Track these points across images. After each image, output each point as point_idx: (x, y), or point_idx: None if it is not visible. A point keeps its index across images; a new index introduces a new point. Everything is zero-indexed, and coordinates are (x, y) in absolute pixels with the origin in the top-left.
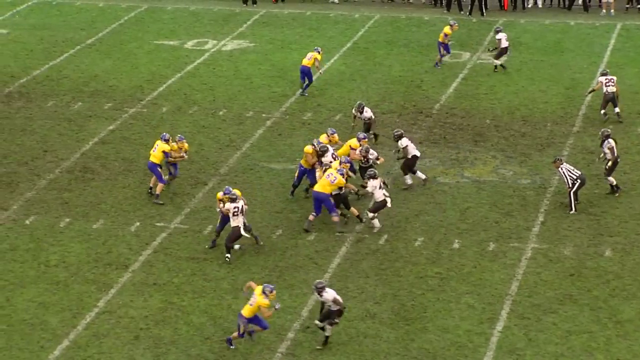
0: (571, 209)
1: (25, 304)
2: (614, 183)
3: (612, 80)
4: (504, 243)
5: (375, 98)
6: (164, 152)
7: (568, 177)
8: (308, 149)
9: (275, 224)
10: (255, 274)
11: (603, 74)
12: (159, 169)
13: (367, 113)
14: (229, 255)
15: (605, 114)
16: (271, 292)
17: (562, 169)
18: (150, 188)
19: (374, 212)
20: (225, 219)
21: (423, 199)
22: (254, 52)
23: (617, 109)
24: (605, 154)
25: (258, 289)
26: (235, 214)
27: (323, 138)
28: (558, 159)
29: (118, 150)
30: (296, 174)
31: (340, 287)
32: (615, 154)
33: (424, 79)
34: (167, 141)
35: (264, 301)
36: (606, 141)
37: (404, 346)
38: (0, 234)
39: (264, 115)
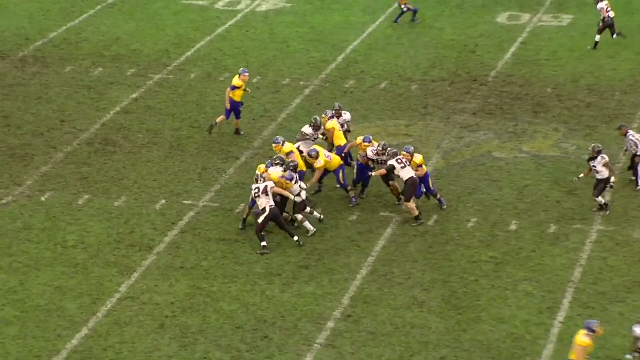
0: (637, 185)
1: (41, 288)
2: None
3: None
4: (566, 225)
5: (424, 64)
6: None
7: (638, 144)
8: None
9: (314, 202)
10: (291, 257)
11: None
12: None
13: (347, 115)
14: (264, 244)
15: None
16: (593, 331)
17: (630, 136)
18: (212, 126)
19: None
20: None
21: (477, 175)
22: (291, 13)
23: None
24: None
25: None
26: (257, 195)
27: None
28: (623, 126)
29: (142, 121)
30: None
31: (385, 272)
32: None
33: (478, 44)
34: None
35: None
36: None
37: (455, 338)
38: (13, 212)
39: (302, 83)
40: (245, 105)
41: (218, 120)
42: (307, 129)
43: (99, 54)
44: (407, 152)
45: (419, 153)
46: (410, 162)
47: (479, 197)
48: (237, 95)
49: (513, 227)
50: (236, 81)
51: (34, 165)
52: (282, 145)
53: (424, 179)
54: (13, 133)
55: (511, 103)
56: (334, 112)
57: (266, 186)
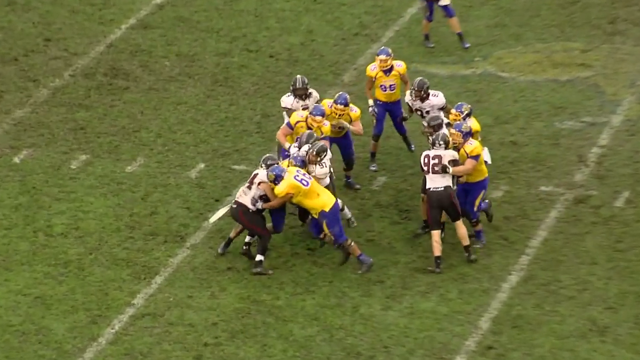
0: None
1: (13, 298)
2: None
3: None
4: None
5: None
6: None
7: None
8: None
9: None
10: (400, 254)
11: None
12: None
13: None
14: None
15: None
16: None
17: None
18: None
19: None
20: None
21: None
22: None
23: None
24: None
25: None
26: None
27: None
28: None
29: (169, 40)
30: None
31: (546, 279)
32: None
33: None
34: None
35: None
36: None
37: None
38: None
39: None
40: (329, 17)
41: None
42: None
43: None
44: (458, 111)
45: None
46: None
47: None
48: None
49: None
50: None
51: (4, 107)
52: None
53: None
54: None
55: None
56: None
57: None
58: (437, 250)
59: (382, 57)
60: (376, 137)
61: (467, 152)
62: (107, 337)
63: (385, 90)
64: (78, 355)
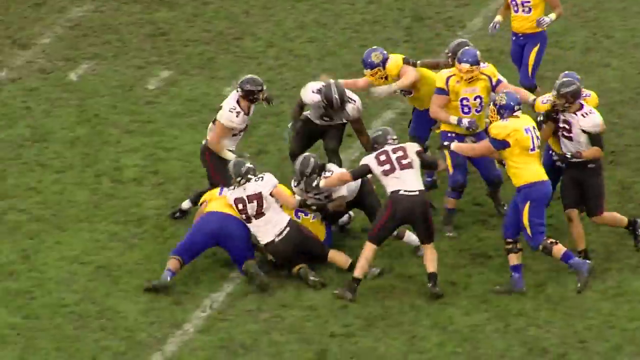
0: None
1: (66, 270)
2: None
3: None
4: None
5: None
6: None
7: None
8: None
9: None
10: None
11: None
12: None
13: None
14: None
15: None
16: None
17: None
18: None
19: None
20: None
21: None
22: None
23: None
24: None
25: None
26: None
27: None
28: None
29: None
30: None
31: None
32: None
33: None
34: None
35: None
36: None
37: None
38: None
39: None
40: None
41: None
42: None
43: None
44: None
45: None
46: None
47: None
48: None
49: None
50: None
51: (56, 4)
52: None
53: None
54: None
55: None
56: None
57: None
58: (360, 271)
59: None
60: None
61: (489, 131)
62: (196, 324)
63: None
64: (155, 347)
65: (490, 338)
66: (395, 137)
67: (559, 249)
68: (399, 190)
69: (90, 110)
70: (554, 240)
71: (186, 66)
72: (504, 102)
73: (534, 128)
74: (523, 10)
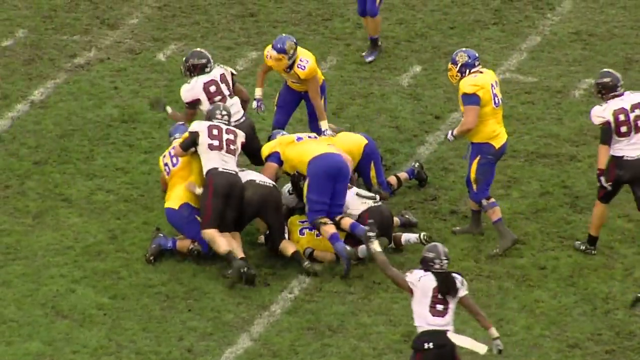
0: None
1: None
2: None
3: None
4: None
5: None
6: None
7: None
8: None
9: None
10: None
11: None
12: None
13: None
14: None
15: None
16: None
17: None
18: None
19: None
20: None
21: None
22: None
23: None
24: None
25: None
26: None
27: None
28: None
29: None
30: None
31: None
32: None
33: None
34: None
35: None
36: None
37: None
38: None
39: None
40: None
41: None
42: None
43: None
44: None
45: None
46: None
47: None
48: None
49: None
50: None
51: None
52: None
53: None
54: None
55: None
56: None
57: None
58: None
59: None
60: None
61: (460, 88)
62: (283, 305)
63: None
64: (242, 328)
65: (578, 321)
66: (225, 113)
67: (496, 213)
68: (217, 168)
69: (177, 91)
70: (494, 201)
71: None
72: (465, 60)
73: (496, 83)
74: None
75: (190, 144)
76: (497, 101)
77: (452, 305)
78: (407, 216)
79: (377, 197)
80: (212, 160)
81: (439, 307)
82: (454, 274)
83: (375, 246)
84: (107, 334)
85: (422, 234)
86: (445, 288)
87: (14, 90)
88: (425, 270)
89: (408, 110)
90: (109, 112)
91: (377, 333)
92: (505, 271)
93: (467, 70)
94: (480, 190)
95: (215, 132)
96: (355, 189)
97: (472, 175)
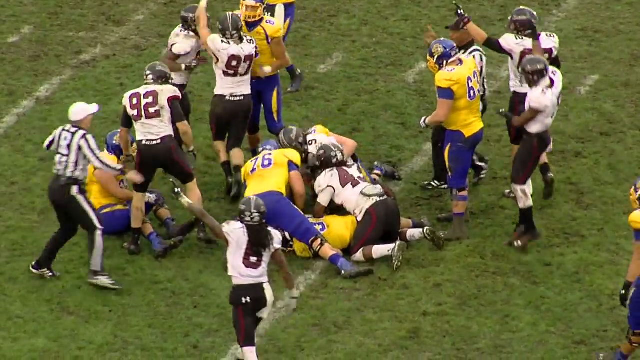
0: None
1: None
2: None
3: None
4: None
5: None
6: None
7: None
8: None
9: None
10: None
11: None
12: None
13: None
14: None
15: None
16: None
17: None
18: None
19: None
20: None
21: None
22: None
23: None
24: None
25: None
26: None
27: None
28: None
29: None
30: None
31: None
32: None
33: None
34: None
35: None
36: None
37: None
38: None
39: None
40: None
41: None
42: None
43: None
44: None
45: None
46: None
47: None
48: None
49: None
50: None
51: None
52: None
53: None
54: None
55: None
56: None
57: None
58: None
59: None
60: None
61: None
62: (289, 302)
63: None
64: None
65: (584, 318)
66: (149, 72)
67: (460, 207)
68: (141, 140)
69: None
70: (466, 195)
71: None
72: (441, 51)
73: (475, 74)
74: None
75: (125, 119)
76: (472, 94)
77: (265, 259)
78: (422, 220)
79: (382, 191)
80: (137, 131)
81: (253, 259)
82: (269, 228)
83: (185, 200)
84: (112, 330)
85: (425, 228)
86: (256, 240)
87: (19, 86)
88: (241, 222)
89: (414, 106)
90: (115, 108)
91: (383, 329)
92: (511, 267)
93: (445, 62)
94: (455, 178)
95: (135, 100)
96: (360, 188)
97: (447, 163)
